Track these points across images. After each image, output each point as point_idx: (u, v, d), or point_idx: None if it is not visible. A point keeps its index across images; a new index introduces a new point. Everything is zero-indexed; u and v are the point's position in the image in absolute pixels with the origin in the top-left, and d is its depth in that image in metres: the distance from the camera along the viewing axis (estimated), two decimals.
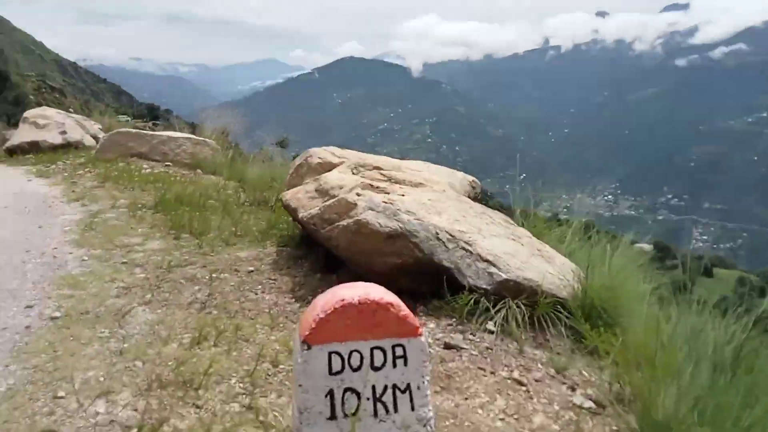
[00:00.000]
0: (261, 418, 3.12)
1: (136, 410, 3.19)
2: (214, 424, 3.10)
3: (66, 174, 12.26)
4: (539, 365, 4.21)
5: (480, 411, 3.36)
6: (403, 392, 2.54)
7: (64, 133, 17.00)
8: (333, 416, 2.48)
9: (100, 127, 20.59)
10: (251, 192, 9.13)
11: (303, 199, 5.69)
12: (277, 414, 2.99)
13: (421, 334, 2.55)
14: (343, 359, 2.47)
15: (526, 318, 4.77)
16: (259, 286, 5.23)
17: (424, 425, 2.57)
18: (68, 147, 16.17)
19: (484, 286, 4.80)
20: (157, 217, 7.68)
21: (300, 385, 2.45)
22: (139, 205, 8.55)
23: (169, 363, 3.68)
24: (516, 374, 3.97)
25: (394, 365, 2.52)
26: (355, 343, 2.46)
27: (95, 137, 17.64)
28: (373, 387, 2.50)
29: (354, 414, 2.45)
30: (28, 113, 17.90)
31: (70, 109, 22.79)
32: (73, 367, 3.50)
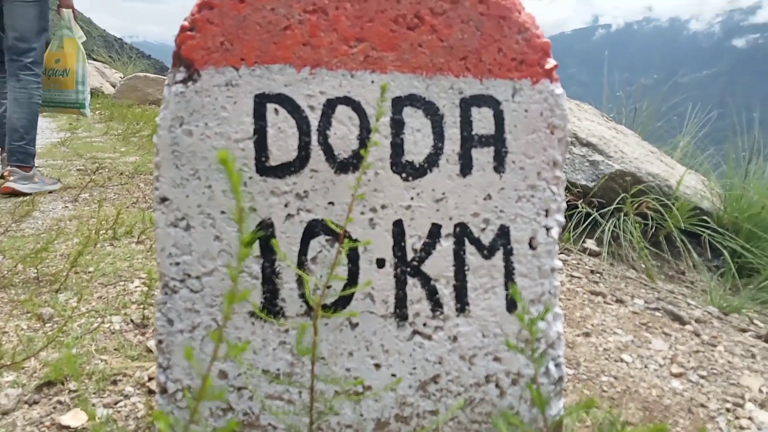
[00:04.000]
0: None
1: None
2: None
3: (74, 116, 11.24)
4: (689, 301, 2.41)
5: (627, 358, 1.59)
6: (487, 252, 0.83)
7: None
8: (271, 303, 0.76)
9: (121, 75, 19.72)
10: None
11: None
12: None
13: (555, 79, 0.79)
14: (302, 122, 0.77)
15: (647, 235, 2.97)
16: None
17: (546, 370, 0.85)
18: None
19: (583, 182, 2.99)
20: (150, 143, 6.29)
21: (165, 205, 0.76)
22: (134, 134, 7.38)
23: (39, 258, 2.03)
24: (662, 306, 2.17)
25: (466, 168, 0.82)
26: (346, 75, 0.78)
27: (114, 85, 16.88)
28: (397, 227, 0.81)
29: (334, 309, 0.75)
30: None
31: (93, 57, 21.84)
32: None
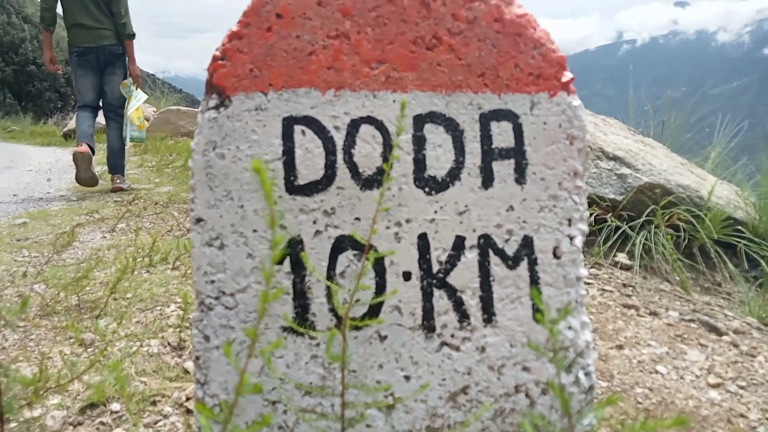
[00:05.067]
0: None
1: None
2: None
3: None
4: (726, 312, 2.35)
5: (662, 369, 1.57)
6: (511, 263, 0.85)
7: None
8: (302, 318, 0.79)
9: (155, 110, 20.37)
10: None
11: None
12: None
13: (572, 91, 0.82)
14: (328, 142, 0.81)
15: (680, 247, 2.92)
16: None
17: (576, 379, 0.86)
18: None
19: (612, 196, 2.96)
20: (183, 173, 6.49)
21: (200, 226, 0.80)
22: (167, 165, 7.62)
23: (80, 286, 2.10)
24: (698, 317, 2.13)
25: (487, 181, 0.85)
26: (369, 96, 0.81)
27: (148, 119, 17.38)
28: (422, 240, 0.84)
29: (370, 317, 0.77)
30: None
31: None
32: None
